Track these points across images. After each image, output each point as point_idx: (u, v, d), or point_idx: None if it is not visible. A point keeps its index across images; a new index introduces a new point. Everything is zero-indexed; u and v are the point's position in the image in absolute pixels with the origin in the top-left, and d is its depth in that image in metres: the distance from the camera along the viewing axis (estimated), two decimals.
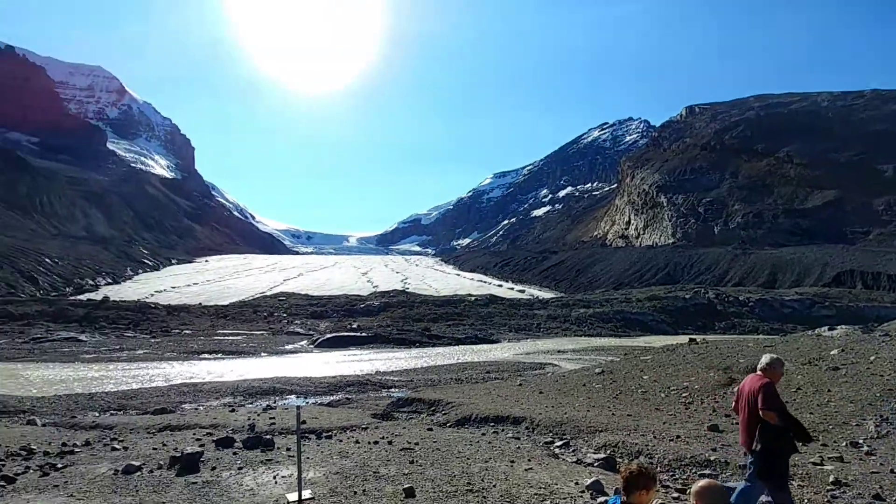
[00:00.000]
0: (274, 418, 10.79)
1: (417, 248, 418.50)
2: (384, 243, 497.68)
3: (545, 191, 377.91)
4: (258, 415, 11.54)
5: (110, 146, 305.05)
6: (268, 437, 7.90)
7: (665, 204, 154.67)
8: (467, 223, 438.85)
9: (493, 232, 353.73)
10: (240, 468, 6.58)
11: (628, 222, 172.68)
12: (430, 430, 9.74)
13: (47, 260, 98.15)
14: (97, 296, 68.26)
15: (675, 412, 10.51)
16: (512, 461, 7.23)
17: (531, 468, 6.89)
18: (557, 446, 8.60)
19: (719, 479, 6.32)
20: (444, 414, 11.24)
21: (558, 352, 35.77)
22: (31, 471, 6.37)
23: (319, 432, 9.16)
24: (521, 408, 10.95)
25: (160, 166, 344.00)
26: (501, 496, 5.78)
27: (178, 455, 6.58)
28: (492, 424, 10.08)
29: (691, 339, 20.17)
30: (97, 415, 15.49)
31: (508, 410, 10.64)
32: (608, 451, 7.99)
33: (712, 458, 7.15)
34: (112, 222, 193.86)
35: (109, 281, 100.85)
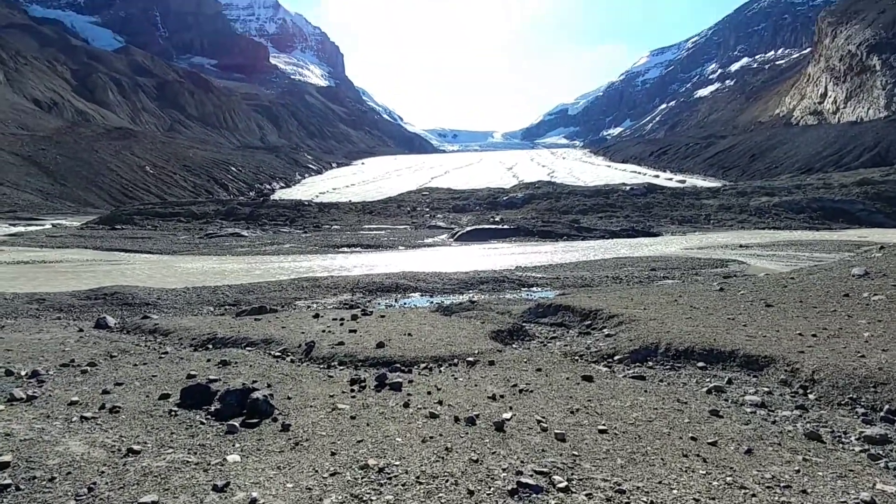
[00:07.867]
0: (355, 331, 7.55)
1: (564, 141, 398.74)
2: (529, 137, 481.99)
3: (713, 65, 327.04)
4: (341, 323, 8.44)
5: (272, 60, 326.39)
6: (265, 395, 4.51)
7: (878, 67, 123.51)
8: (619, 110, 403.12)
9: (649, 118, 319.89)
10: None
11: (824, 94, 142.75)
12: (589, 378, 5.42)
13: (233, 168, 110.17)
14: (273, 198, 73.45)
15: None
16: None
17: None
18: None
19: None
20: (609, 336, 6.83)
21: (739, 246, 29.27)
22: None
23: (390, 367, 5.48)
24: (747, 333, 6.25)
25: (315, 76, 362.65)
26: None
27: None
28: (701, 366, 5.54)
29: None
30: (212, 309, 14.45)
31: (726, 338, 5.97)
32: None
33: None
34: (281, 132, 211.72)
35: (282, 185, 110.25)
